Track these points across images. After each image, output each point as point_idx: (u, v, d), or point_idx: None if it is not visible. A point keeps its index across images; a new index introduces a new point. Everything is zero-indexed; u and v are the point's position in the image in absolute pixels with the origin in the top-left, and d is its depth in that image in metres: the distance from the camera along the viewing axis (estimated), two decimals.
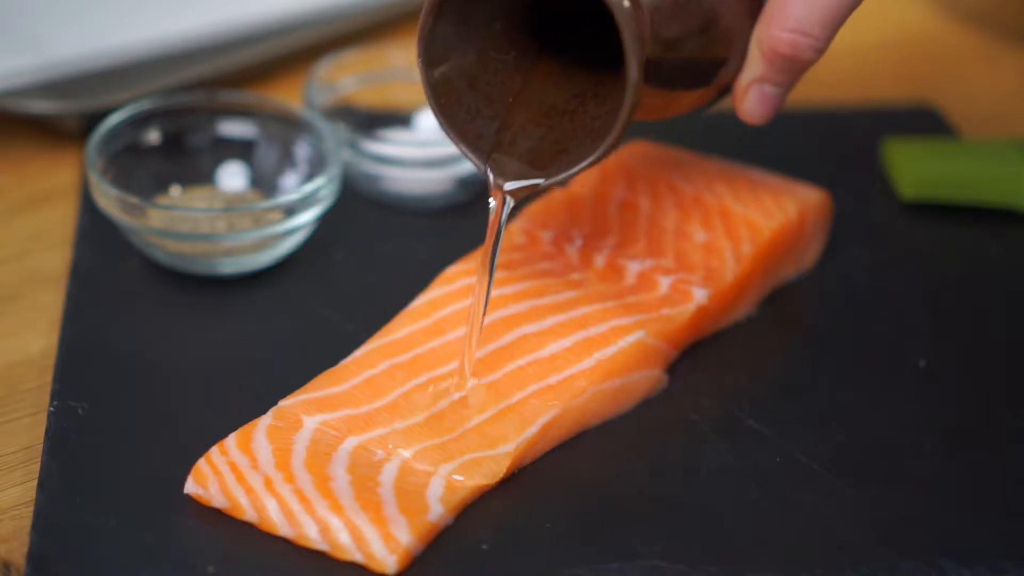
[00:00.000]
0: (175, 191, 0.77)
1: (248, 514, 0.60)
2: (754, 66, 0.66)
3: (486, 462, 0.62)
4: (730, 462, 0.65)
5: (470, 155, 0.63)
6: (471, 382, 0.65)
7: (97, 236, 0.75)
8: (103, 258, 0.74)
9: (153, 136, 0.77)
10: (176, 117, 0.78)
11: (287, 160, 0.78)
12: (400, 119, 0.84)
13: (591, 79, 0.65)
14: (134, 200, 0.71)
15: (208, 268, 0.73)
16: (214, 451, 0.61)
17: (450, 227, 0.78)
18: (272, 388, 0.65)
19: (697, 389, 0.68)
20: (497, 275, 0.68)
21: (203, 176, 0.78)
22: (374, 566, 0.58)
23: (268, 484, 0.60)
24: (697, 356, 0.70)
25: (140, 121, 0.77)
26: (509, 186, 0.63)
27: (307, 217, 0.72)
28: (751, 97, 0.67)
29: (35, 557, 0.58)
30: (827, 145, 0.87)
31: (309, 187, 0.72)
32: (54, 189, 0.81)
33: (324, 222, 0.75)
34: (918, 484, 0.64)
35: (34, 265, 0.76)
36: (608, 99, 0.63)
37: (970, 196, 0.81)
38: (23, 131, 0.86)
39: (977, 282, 0.77)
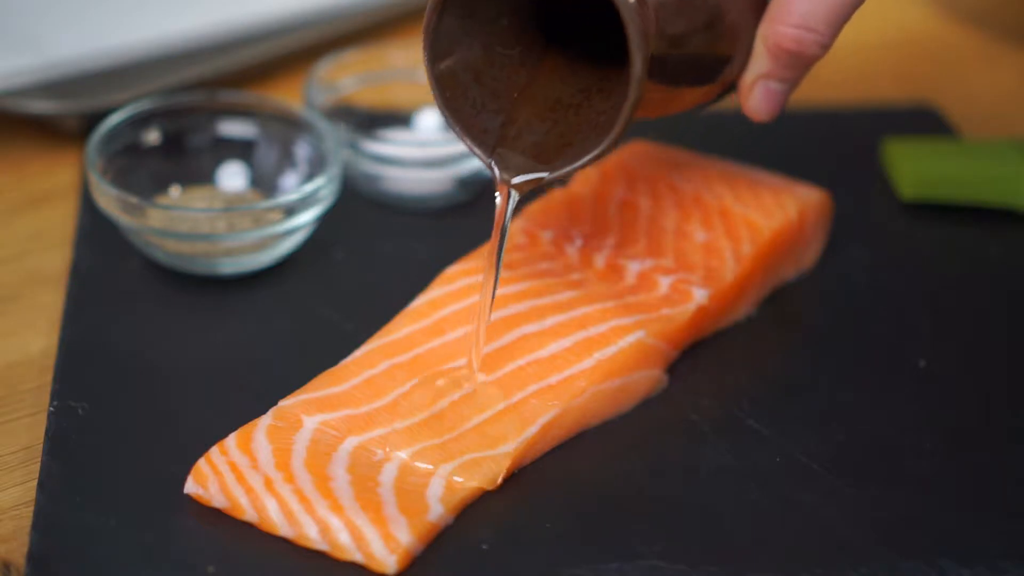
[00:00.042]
0: (175, 191, 0.77)
1: (248, 514, 0.60)
2: (759, 62, 0.66)
3: (486, 462, 0.62)
4: (730, 462, 0.65)
5: (475, 149, 0.63)
6: (480, 376, 0.65)
7: (97, 236, 0.75)
8: (103, 258, 0.74)
9: (153, 136, 0.77)
10: (176, 117, 0.78)
11: (287, 160, 0.78)
12: (400, 119, 0.84)
13: (597, 74, 0.65)
14: (134, 200, 0.71)
15: (208, 268, 0.73)
16: (214, 451, 0.61)
17: (450, 227, 0.78)
18: (272, 388, 0.65)
19: (697, 389, 0.68)
20: None
21: (203, 176, 0.78)
22: (374, 566, 0.58)
23: (268, 484, 0.60)
24: (697, 356, 0.70)
25: (140, 121, 0.77)
26: (514, 180, 0.63)
27: (307, 217, 0.72)
28: (756, 93, 0.67)
29: (35, 557, 0.58)
30: (827, 145, 0.87)
31: (309, 187, 0.72)
32: (54, 189, 0.81)
33: (324, 222, 0.75)
34: (918, 484, 0.64)
35: (34, 265, 0.76)
36: (613, 94, 0.63)
37: (970, 196, 0.81)
38: (23, 131, 0.86)
39: (977, 282, 0.77)
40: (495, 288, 0.64)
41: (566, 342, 0.67)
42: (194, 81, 0.87)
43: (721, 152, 0.80)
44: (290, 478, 0.60)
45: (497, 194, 0.64)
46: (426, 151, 0.78)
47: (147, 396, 0.66)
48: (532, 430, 0.63)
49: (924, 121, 0.90)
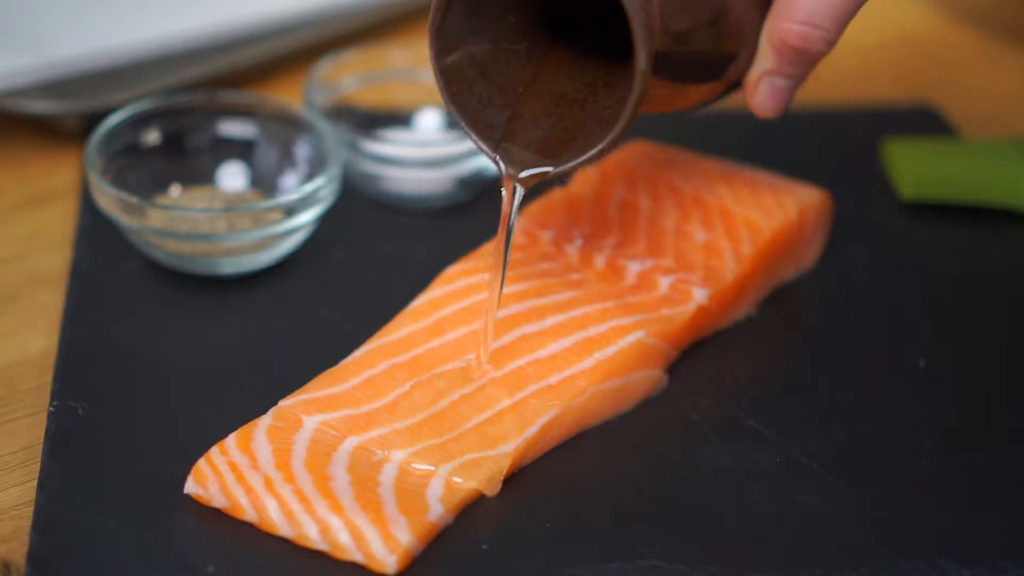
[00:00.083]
0: (175, 191, 0.77)
1: (248, 514, 0.60)
2: (764, 59, 0.66)
3: (486, 462, 0.62)
4: (730, 462, 0.65)
5: (480, 144, 0.63)
6: (488, 368, 0.65)
7: (97, 236, 0.75)
8: (103, 258, 0.74)
9: (153, 136, 0.77)
10: (176, 117, 0.78)
11: (287, 160, 0.78)
12: (400, 119, 0.84)
13: (603, 69, 0.65)
14: (134, 200, 0.71)
15: (208, 268, 0.73)
16: (214, 451, 0.61)
17: (450, 227, 0.78)
18: (272, 388, 0.65)
19: (697, 389, 0.68)
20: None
21: (203, 176, 0.78)
22: (374, 566, 0.58)
23: (268, 484, 0.60)
24: (697, 356, 0.70)
25: (140, 121, 0.77)
26: (520, 175, 0.63)
27: (307, 217, 0.72)
28: (762, 90, 0.67)
29: (35, 557, 0.58)
30: (827, 145, 0.87)
31: (309, 187, 0.72)
32: (54, 189, 0.81)
33: (324, 222, 0.75)
34: (918, 484, 0.64)
35: (34, 265, 0.76)
36: (618, 89, 0.63)
37: (970, 196, 0.81)
38: (23, 131, 0.86)
39: (977, 282, 0.77)
40: (503, 282, 0.64)
41: (566, 342, 0.67)
42: (194, 81, 0.87)
43: (721, 152, 0.80)
44: (290, 478, 0.60)
45: (503, 189, 0.64)
46: (426, 151, 0.78)
47: (147, 396, 0.66)
48: (532, 430, 0.63)
49: (924, 121, 0.89)
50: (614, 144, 0.61)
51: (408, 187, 0.79)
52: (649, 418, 0.67)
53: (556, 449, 0.65)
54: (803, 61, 0.66)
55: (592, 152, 0.61)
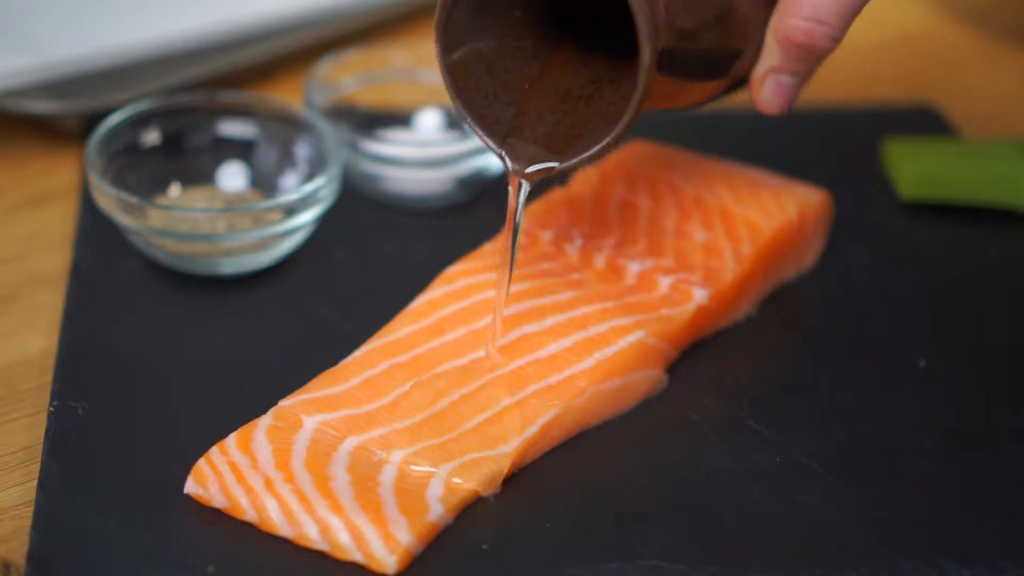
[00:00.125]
0: (175, 191, 0.77)
1: (248, 514, 0.60)
2: (770, 55, 0.66)
3: (486, 462, 0.62)
4: (730, 462, 0.65)
5: (486, 139, 0.63)
6: (499, 359, 0.65)
7: (97, 236, 0.75)
8: (103, 258, 0.74)
9: (153, 136, 0.77)
10: (176, 117, 0.78)
11: (287, 160, 0.78)
12: (400, 119, 0.84)
13: (608, 65, 0.65)
14: (134, 200, 0.71)
15: (208, 268, 0.73)
16: (214, 451, 0.61)
17: (450, 227, 0.78)
18: (272, 388, 0.65)
19: (697, 389, 0.68)
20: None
21: (203, 176, 0.78)
22: (374, 566, 0.58)
23: (268, 484, 0.60)
24: (697, 356, 0.70)
25: (140, 121, 0.77)
26: (526, 170, 0.63)
27: (307, 217, 0.72)
28: (767, 87, 0.67)
29: (35, 557, 0.58)
30: (827, 145, 0.87)
31: (309, 187, 0.72)
32: (54, 189, 0.81)
33: (324, 222, 0.75)
34: (918, 484, 0.64)
35: (34, 265, 0.76)
36: (623, 85, 0.63)
37: (970, 196, 0.81)
38: (23, 131, 0.86)
39: (977, 282, 0.77)
40: (510, 278, 0.65)
41: (566, 342, 0.67)
42: (194, 81, 0.87)
43: (721, 152, 0.80)
44: (290, 478, 0.60)
45: (508, 185, 0.64)
46: (426, 151, 0.78)
47: (147, 396, 0.66)
48: (532, 430, 0.63)
49: (924, 121, 0.89)
50: (618, 140, 0.61)
51: (408, 187, 0.79)
52: (649, 418, 0.67)
53: (556, 449, 0.65)
54: (809, 58, 0.66)
55: (597, 148, 0.61)
